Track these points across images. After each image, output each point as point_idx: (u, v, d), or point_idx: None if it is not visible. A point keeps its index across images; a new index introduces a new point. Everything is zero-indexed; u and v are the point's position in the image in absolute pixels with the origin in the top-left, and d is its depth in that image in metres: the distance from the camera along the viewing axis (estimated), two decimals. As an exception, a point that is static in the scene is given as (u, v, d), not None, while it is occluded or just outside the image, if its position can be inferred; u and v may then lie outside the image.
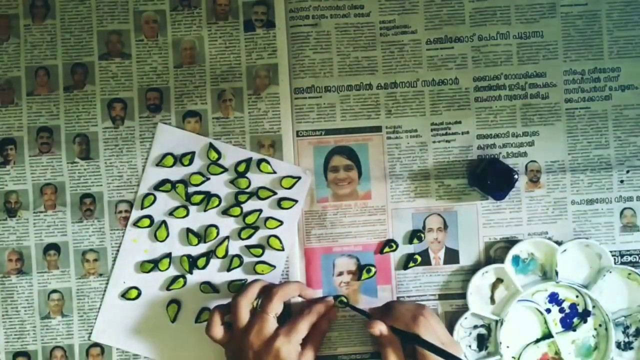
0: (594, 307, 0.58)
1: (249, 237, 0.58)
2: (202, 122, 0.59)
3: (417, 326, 0.51)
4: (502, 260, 0.58)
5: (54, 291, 0.58)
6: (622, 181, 0.59)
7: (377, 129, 0.60)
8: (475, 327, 0.59)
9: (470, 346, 0.58)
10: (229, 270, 0.58)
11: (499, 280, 0.58)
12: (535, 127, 0.60)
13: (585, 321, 0.58)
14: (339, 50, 0.60)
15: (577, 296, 0.58)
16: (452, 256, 0.59)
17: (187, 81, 0.59)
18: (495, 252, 0.59)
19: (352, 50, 0.60)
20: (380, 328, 0.52)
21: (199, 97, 0.59)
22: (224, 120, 0.59)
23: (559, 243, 0.58)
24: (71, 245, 0.58)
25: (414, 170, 0.59)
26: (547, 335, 0.58)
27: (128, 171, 0.59)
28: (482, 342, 0.59)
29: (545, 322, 0.58)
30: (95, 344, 0.58)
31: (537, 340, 0.58)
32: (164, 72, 0.59)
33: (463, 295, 0.59)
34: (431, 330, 0.52)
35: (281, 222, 0.58)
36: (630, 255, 0.59)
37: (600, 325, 0.58)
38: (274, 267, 0.58)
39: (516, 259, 0.58)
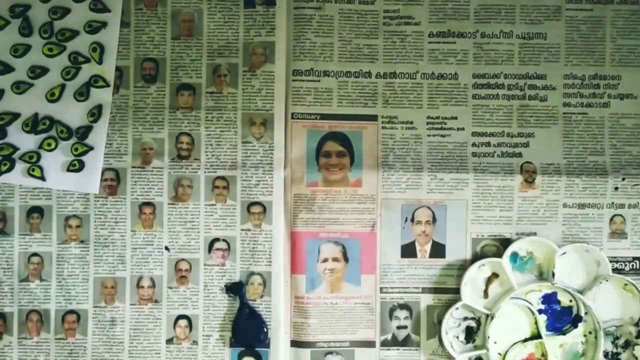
0: (586, 313, 0.58)
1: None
2: (195, 95, 0.58)
3: None
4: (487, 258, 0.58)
5: (35, 254, 0.58)
6: (616, 188, 0.59)
7: (373, 118, 0.59)
8: (466, 318, 0.58)
9: (458, 337, 0.58)
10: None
11: (495, 275, 0.58)
12: (531, 129, 0.59)
13: (576, 326, 0.58)
14: (340, 35, 0.59)
15: (570, 300, 0.58)
16: (438, 250, 0.59)
17: (183, 53, 0.58)
18: (482, 249, 0.59)
19: (353, 37, 0.59)
20: None
21: (194, 71, 0.58)
22: (217, 95, 0.59)
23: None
24: (55, 209, 0.58)
25: (407, 162, 0.59)
26: (536, 335, 0.58)
27: (118, 139, 0.58)
28: (470, 334, 0.58)
29: (536, 323, 0.58)
30: (72, 311, 0.58)
31: (526, 340, 0.58)
32: (162, 42, 0.58)
33: (447, 290, 0.58)
34: None
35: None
36: (617, 262, 0.59)
37: (590, 333, 0.58)
38: None
39: (514, 256, 0.58)
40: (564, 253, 0.57)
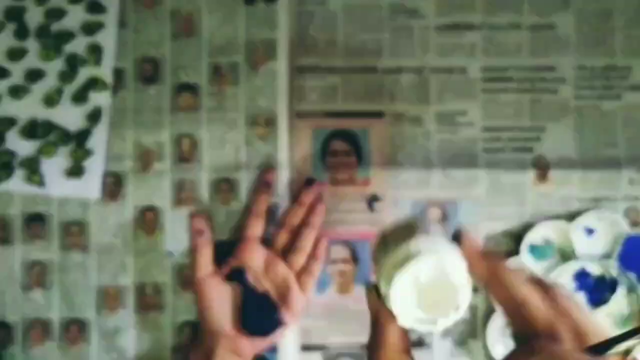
0: (619, 275, 0.57)
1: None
2: (195, 96, 0.57)
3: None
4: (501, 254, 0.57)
5: (36, 262, 0.57)
6: (631, 180, 0.58)
7: (379, 115, 0.58)
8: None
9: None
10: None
11: None
12: (543, 122, 0.58)
13: (615, 290, 0.57)
14: (345, 31, 0.58)
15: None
16: (450, 249, 0.58)
17: (183, 53, 0.57)
18: (495, 246, 0.57)
19: (358, 32, 0.58)
20: None
21: (195, 71, 0.57)
22: (218, 95, 0.57)
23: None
24: (55, 216, 0.57)
25: (416, 159, 0.58)
26: None
27: (118, 143, 0.57)
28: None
29: None
30: (75, 319, 0.57)
31: None
32: (161, 42, 0.57)
33: (460, 289, 0.58)
34: None
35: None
36: (633, 254, 0.58)
37: (631, 291, 0.57)
38: None
39: (532, 248, 0.57)
40: (577, 227, 0.57)
